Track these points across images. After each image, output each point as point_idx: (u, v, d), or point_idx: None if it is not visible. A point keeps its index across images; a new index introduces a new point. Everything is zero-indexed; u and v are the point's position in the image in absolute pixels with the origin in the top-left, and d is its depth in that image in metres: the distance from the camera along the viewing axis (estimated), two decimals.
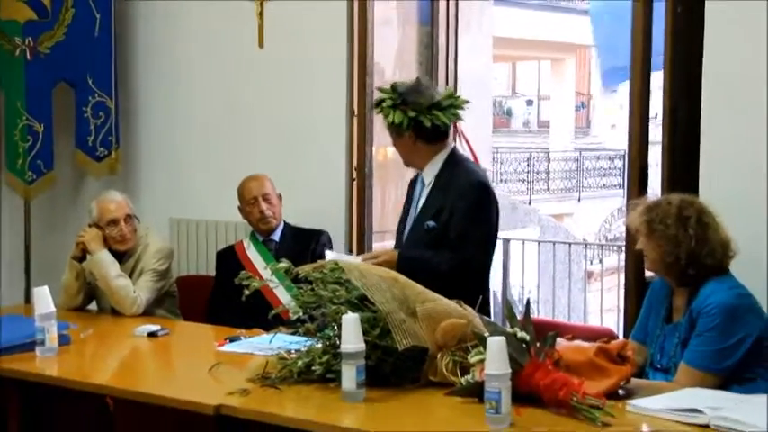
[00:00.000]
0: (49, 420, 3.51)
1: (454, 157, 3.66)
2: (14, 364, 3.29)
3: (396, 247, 3.72)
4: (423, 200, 3.62)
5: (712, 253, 2.93)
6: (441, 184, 3.58)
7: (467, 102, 3.68)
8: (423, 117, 3.54)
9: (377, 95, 3.72)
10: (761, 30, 3.45)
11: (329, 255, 3.61)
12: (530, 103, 24.38)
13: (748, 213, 3.34)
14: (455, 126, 3.96)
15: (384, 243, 4.64)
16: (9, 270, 5.27)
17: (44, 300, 3.36)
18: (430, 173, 3.62)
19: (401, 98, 3.56)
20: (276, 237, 4.23)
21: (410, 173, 3.87)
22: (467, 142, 4.52)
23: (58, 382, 3.22)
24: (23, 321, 3.62)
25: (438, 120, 3.56)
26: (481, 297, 3.32)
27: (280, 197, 4.27)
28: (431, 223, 3.53)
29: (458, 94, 3.70)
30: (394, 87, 3.62)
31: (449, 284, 3.10)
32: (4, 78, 5.04)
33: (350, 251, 4.47)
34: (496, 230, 3.63)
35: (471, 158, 4.00)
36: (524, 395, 2.55)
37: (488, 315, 3.44)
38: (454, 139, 3.93)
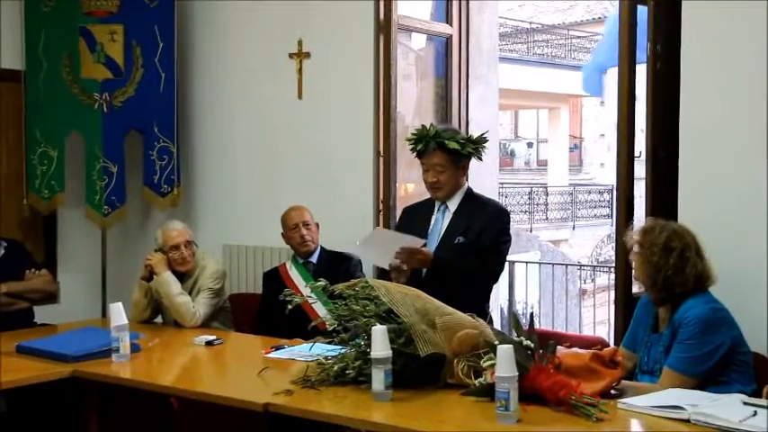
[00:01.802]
0: (122, 416, 3.54)
1: (472, 191, 3.75)
2: (94, 368, 3.32)
3: None
4: (447, 222, 3.64)
5: (684, 283, 2.91)
6: (466, 209, 3.63)
7: (487, 140, 3.76)
8: (478, 150, 3.65)
9: (416, 131, 3.71)
10: (731, 76, 3.45)
11: (378, 232, 3.64)
12: (530, 145, 24.32)
13: (721, 240, 3.31)
14: None
15: None
16: (89, 289, 5.30)
17: (118, 314, 3.38)
18: (455, 201, 3.66)
19: (452, 134, 3.63)
20: (314, 259, 4.23)
21: None
22: None
23: (130, 383, 3.25)
24: (101, 332, 3.66)
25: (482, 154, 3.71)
26: (490, 312, 3.36)
27: (317, 225, 4.28)
28: (461, 239, 3.56)
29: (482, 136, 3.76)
30: (438, 128, 3.66)
31: (464, 296, 3.13)
32: (85, 127, 5.08)
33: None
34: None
35: None
36: (530, 395, 2.54)
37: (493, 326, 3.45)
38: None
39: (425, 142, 3.61)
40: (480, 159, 3.76)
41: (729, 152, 3.47)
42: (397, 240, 3.56)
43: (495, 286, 3.80)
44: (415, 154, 3.73)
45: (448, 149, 3.57)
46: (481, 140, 3.69)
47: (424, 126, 3.70)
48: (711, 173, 3.52)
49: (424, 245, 3.53)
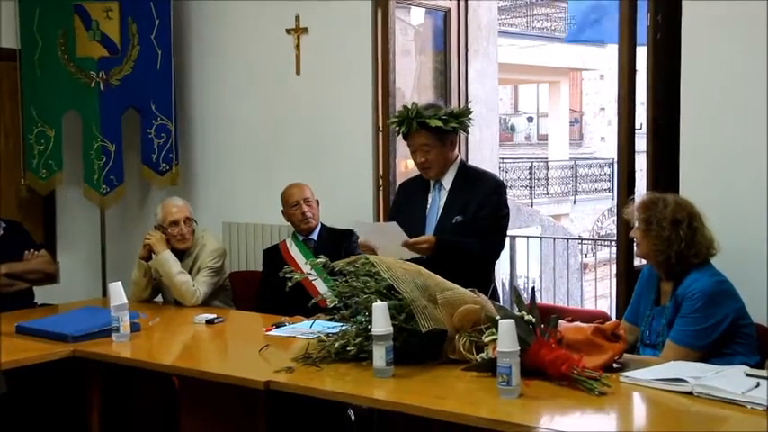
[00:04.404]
0: (124, 395, 3.54)
1: (465, 164, 3.70)
2: (94, 348, 3.31)
3: None
4: (444, 200, 3.59)
5: (698, 253, 2.89)
6: (462, 186, 3.58)
7: (471, 111, 3.68)
8: (464, 123, 3.57)
9: (398, 113, 3.64)
10: (733, 46, 3.42)
11: (360, 228, 3.64)
12: (530, 119, 24.22)
13: (723, 212, 3.28)
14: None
15: None
16: (88, 268, 5.30)
17: (118, 293, 3.37)
18: (449, 177, 3.61)
19: (433, 112, 3.53)
20: (314, 236, 4.21)
21: None
22: None
23: (131, 363, 3.24)
24: (101, 312, 3.65)
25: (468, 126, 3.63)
26: (493, 285, 3.33)
27: (317, 202, 4.26)
28: (459, 218, 3.52)
29: (465, 108, 3.70)
30: (419, 107, 3.55)
31: (466, 272, 3.11)
32: (82, 106, 5.04)
33: None
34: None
35: None
36: (531, 370, 2.54)
37: (497, 301, 3.43)
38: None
39: (407, 124, 3.54)
40: (466, 132, 3.71)
41: (731, 123, 3.44)
42: (380, 230, 3.56)
43: (496, 262, 3.78)
44: (398, 136, 3.69)
45: (430, 128, 3.50)
46: (465, 113, 3.61)
47: (405, 107, 3.63)
48: (713, 144, 3.49)
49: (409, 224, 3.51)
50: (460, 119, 3.57)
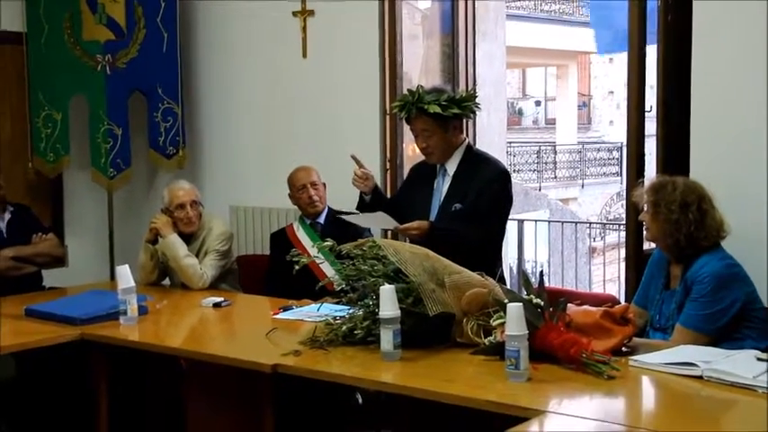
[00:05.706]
0: (132, 378, 3.54)
1: (472, 149, 3.64)
2: (102, 331, 3.31)
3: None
4: (446, 187, 3.55)
5: (708, 236, 2.87)
6: (465, 172, 3.52)
7: (476, 96, 3.62)
8: (467, 108, 3.50)
9: (401, 98, 3.60)
10: (744, 28, 3.37)
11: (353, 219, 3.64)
12: (538, 103, 24.12)
13: (734, 195, 3.24)
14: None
15: None
16: (96, 252, 5.30)
17: (125, 277, 3.37)
18: (453, 163, 3.56)
19: (435, 97, 3.47)
20: (321, 219, 4.19)
21: None
22: None
23: (139, 345, 3.25)
24: (109, 295, 3.65)
25: (473, 110, 3.56)
26: (500, 268, 3.30)
27: (324, 185, 4.24)
28: (458, 206, 3.47)
29: (470, 92, 3.65)
30: (422, 91, 3.50)
31: (473, 256, 3.09)
32: (88, 90, 5.03)
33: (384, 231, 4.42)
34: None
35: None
36: (540, 353, 2.52)
37: (505, 284, 3.41)
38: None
39: (407, 109, 3.49)
40: (469, 118, 3.66)
41: (742, 106, 3.40)
42: (369, 220, 3.56)
43: (504, 245, 3.74)
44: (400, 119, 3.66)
45: (430, 113, 3.44)
46: (469, 98, 3.54)
47: (409, 90, 3.57)
48: (724, 127, 3.45)
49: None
50: (463, 104, 3.50)
